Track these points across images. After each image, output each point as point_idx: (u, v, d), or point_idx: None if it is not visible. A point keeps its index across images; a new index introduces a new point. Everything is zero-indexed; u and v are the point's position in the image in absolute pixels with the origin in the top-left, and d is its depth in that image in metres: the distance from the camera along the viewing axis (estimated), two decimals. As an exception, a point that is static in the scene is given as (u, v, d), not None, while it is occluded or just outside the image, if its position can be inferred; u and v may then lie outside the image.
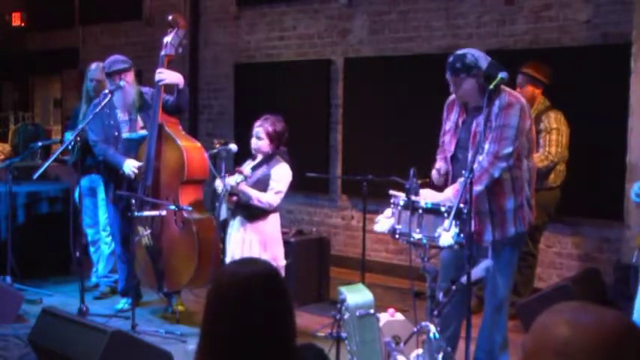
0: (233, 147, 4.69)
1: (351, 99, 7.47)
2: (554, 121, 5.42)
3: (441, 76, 4.02)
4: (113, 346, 3.70)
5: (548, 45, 6.15)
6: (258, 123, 4.68)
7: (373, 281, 6.20)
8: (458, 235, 3.51)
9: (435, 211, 3.63)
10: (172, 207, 5.08)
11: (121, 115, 5.50)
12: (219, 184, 4.55)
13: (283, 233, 5.10)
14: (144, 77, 7.01)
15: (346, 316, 3.85)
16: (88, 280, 6.14)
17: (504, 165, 3.81)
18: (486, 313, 4.14)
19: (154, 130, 5.29)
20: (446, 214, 3.55)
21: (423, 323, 3.76)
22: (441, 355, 3.68)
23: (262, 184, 4.62)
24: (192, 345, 4.76)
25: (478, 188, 3.70)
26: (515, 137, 3.81)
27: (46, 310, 4.22)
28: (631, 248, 5.25)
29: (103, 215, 6.05)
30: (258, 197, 4.56)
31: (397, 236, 3.77)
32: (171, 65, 5.45)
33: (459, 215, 3.50)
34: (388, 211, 3.83)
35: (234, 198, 4.58)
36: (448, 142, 4.08)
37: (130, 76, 5.43)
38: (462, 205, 3.51)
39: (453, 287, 3.71)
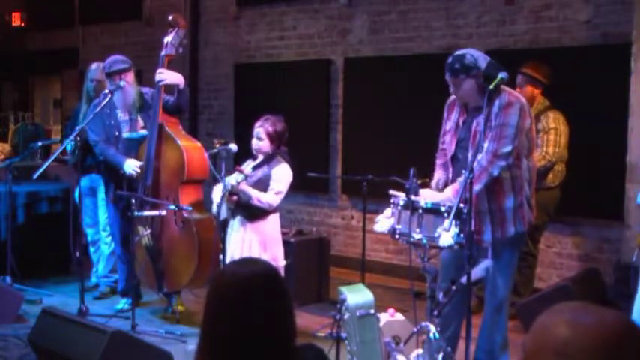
0: (233, 147, 4.68)
1: (351, 99, 7.47)
2: (553, 121, 5.42)
3: (441, 76, 4.02)
4: (113, 346, 3.70)
5: (548, 45, 6.15)
6: (258, 123, 4.68)
7: (373, 281, 6.19)
8: (458, 235, 3.51)
9: (435, 211, 3.63)
10: (172, 207, 5.09)
11: (122, 115, 5.50)
12: (218, 190, 4.54)
13: (283, 233, 5.10)
14: (144, 77, 7.02)
15: (346, 316, 3.85)
16: (88, 280, 6.14)
17: (503, 164, 3.81)
18: (486, 313, 4.14)
19: (154, 130, 5.29)
20: (446, 214, 3.54)
21: (423, 323, 3.76)
22: (441, 355, 3.68)
23: (263, 185, 4.62)
24: (192, 345, 4.76)
25: (477, 187, 3.70)
26: (515, 136, 3.81)
27: (46, 310, 4.22)
28: (631, 248, 5.26)
29: (103, 215, 6.05)
30: (258, 197, 4.56)
31: (397, 236, 3.77)
32: (172, 65, 5.45)
33: (459, 215, 3.50)
34: (388, 211, 3.83)
35: (235, 198, 4.58)
36: (449, 143, 4.08)
37: (130, 76, 5.43)
38: (461, 205, 3.51)
39: (453, 287, 3.71)
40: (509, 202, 3.91)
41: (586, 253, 6.06)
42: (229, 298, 1.74)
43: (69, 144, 5.51)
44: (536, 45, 6.22)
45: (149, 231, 5.25)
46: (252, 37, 8.33)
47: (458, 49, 4.13)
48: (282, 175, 4.65)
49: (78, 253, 5.40)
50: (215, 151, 4.70)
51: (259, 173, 4.63)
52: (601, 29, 5.91)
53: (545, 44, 6.18)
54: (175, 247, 5.27)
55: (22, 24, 11.88)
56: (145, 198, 5.19)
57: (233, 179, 4.44)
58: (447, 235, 3.48)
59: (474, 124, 3.91)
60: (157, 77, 5.29)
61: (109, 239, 6.04)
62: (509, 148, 3.80)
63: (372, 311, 3.85)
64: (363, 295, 3.90)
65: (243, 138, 5.00)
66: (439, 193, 3.88)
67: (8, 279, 5.91)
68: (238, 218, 4.69)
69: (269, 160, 4.67)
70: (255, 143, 4.67)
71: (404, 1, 7.07)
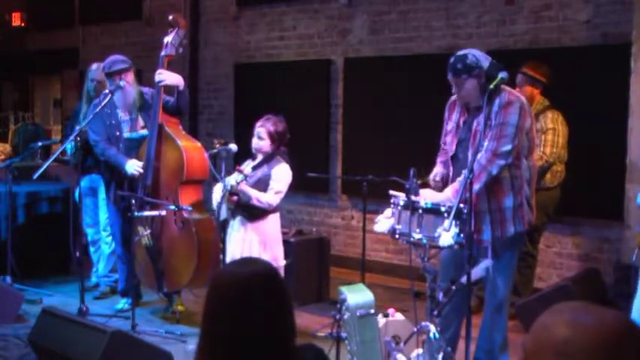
0: (233, 147, 4.68)
1: (351, 99, 7.47)
2: (551, 121, 5.42)
3: (440, 76, 4.02)
4: (113, 346, 3.70)
5: (548, 45, 6.15)
6: (259, 123, 4.68)
7: (373, 281, 6.19)
8: (458, 235, 3.51)
9: (435, 211, 3.63)
10: (172, 207, 5.09)
11: (122, 115, 5.50)
12: (218, 189, 4.54)
13: (283, 233, 5.10)
14: (144, 77, 7.01)
15: (346, 316, 3.85)
16: (88, 280, 6.14)
17: (503, 163, 3.81)
18: (486, 313, 4.14)
19: (154, 130, 5.29)
20: (446, 214, 3.54)
21: (423, 323, 3.76)
22: (441, 355, 3.68)
23: (263, 184, 4.62)
24: (192, 345, 4.76)
25: (477, 186, 3.69)
26: (515, 135, 3.81)
27: (46, 310, 4.22)
28: (631, 248, 5.25)
29: (103, 215, 6.05)
30: (257, 197, 4.56)
31: (397, 236, 3.77)
32: (171, 65, 5.45)
33: (459, 215, 3.50)
34: (388, 211, 3.82)
35: (235, 198, 4.58)
36: (449, 143, 4.08)
37: (130, 76, 5.43)
38: (461, 205, 3.51)
39: (453, 287, 3.71)
40: (509, 202, 3.91)
41: (586, 253, 6.06)
42: (229, 298, 1.74)
43: (69, 144, 5.51)
44: (536, 45, 6.22)
45: (149, 231, 5.25)
46: (252, 37, 8.33)
47: (458, 49, 4.13)
48: (282, 174, 4.65)
49: (78, 253, 5.40)
50: (215, 151, 4.70)
51: (259, 173, 4.63)
52: (601, 29, 5.91)
53: (545, 44, 6.18)
54: (175, 247, 5.27)
55: (22, 24, 11.88)
56: (146, 198, 5.19)
57: (233, 179, 4.44)
58: (447, 235, 3.48)
59: (475, 123, 3.91)
60: (157, 78, 5.29)
61: (109, 239, 6.04)
62: (508, 147, 3.80)
63: (372, 311, 3.85)
64: (363, 295, 3.90)
65: (243, 138, 5.00)
66: (439, 193, 3.88)
67: (8, 279, 5.91)
68: (239, 218, 4.69)
69: (269, 159, 4.67)
70: (255, 142, 4.67)
71: (404, 1, 7.07)
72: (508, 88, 3.93)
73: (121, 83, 5.34)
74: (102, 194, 5.95)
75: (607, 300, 5.17)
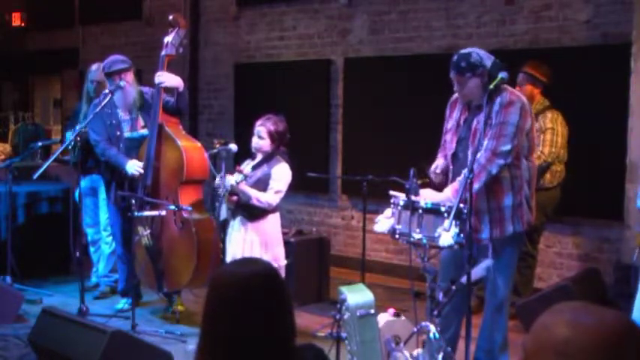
0: (233, 147, 4.69)
1: (351, 99, 7.47)
2: (550, 121, 5.42)
3: (440, 76, 4.02)
4: (113, 346, 3.70)
5: (548, 45, 6.15)
6: (260, 122, 4.68)
7: (373, 281, 6.19)
8: (458, 235, 3.51)
9: (435, 211, 3.63)
10: (172, 207, 5.09)
11: (123, 115, 5.50)
12: (219, 182, 4.54)
13: (283, 233, 5.09)
14: (144, 77, 7.01)
15: (346, 316, 3.85)
16: (88, 280, 6.14)
17: (502, 162, 3.81)
18: (486, 313, 4.14)
19: (154, 130, 5.29)
20: (446, 214, 3.54)
21: (423, 323, 3.76)
22: (441, 355, 3.68)
23: (263, 184, 4.61)
24: (192, 345, 4.76)
25: (476, 186, 3.69)
26: (515, 135, 3.80)
27: (46, 310, 4.22)
28: (631, 248, 5.25)
29: (103, 215, 6.05)
30: (257, 197, 4.56)
31: (397, 236, 3.77)
32: (171, 65, 5.45)
33: (459, 215, 3.50)
34: (388, 211, 3.82)
35: (235, 198, 4.58)
36: (449, 141, 4.08)
37: (130, 76, 5.43)
38: (461, 205, 3.51)
39: (453, 287, 3.71)
40: (508, 201, 3.90)
41: (586, 253, 6.06)
42: (229, 298, 1.74)
43: (69, 144, 5.51)
44: (536, 45, 6.22)
45: (149, 231, 5.25)
46: (252, 37, 8.33)
47: (458, 49, 4.12)
48: (282, 174, 4.65)
49: (78, 253, 5.40)
50: (215, 151, 4.70)
51: (259, 173, 4.63)
52: (601, 29, 5.91)
53: (545, 44, 6.18)
54: (175, 247, 5.27)
55: (22, 24, 11.88)
56: (146, 198, 5.19)
57: (233, 179, 4.44)
58: (447, 235, 3.48)
59: (475, 122, 3.91)
60: (157, 80, 5.29)
61: (109, 239, 6.04)
62: (508, 147, 3.80)
63: (372, 311, 3.85)
64: (363, 295, 3.90)
65: (243, 138, 5.00)
66: (439, 193, 3.88)
67: (8, 279, 5.91)
68: (239, 218, 4.69)
69: (268, 159, 4.67)
70: (255, 141, 4.66)
71: (404, 1, 7.07)
72: (510, 88, 3.93)
73: (121, 83, 5.34)
74: (102, 194, 5.95)
75: (607, 300, 5.16)
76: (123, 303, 5.70)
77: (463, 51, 3.95)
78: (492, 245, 3.92)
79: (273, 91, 7.87)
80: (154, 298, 5.82)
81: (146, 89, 5.53)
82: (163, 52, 5.36)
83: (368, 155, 7.13)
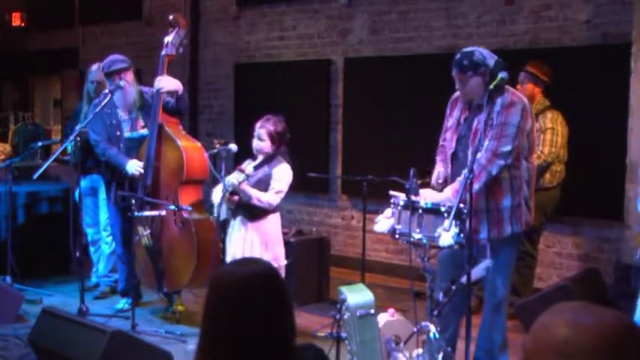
0: (233, 147, 4.69)
1: (351, 99, 7.47)
2: (550, 121, 5.42)
3: (440, 76, 4.02)
4: (113, 346, 3.70)
5: (548, 45, 6.15)
6: (259, 124, 4.68)
7: (373, 281, 6.19)
8: (458, 235, 3.51)
9: (434, 211, 3.63)
10: (172, 207, 5.09)
11: (122, 115, 5.50)
12: (218, 191, 4.54)
13: (283, 233, 5.09)
14: (144, 77, 7.01)
15: (346, 316, 3.85)
16: (88, 280, 6.14)
17: (502, 163, 3.81)
18: (486, 313, 4.14)
19: (154, 130, 5.29)
20: (446, 214, 3.54)
21: (423, 323, 3.76)
22: (441, 355, 3.68)
23: (264, 184, 4.62)
24: (192, 345, 4.76)
25: (476, 186, 3.68)
26: (515, 135, 3.80)
27: (46, 310, 4.22)
28: (631, 248, 5.25)
29: (103, 215, 6.05)
30: (258, 197, 4.56)
31: (397, 236, 3.77)
32: (171, 65, 5.45)
33: (458, 215, 3.50)
34: (388, 211, 3.82)
35: (235, 197, 4.58)
36: (449, 139, 4.07)
37: (130, 76, 5.43)
38: (461, 205, 3.51)
39: (453, 287, 3.71)
40: (507, 202, 3.90)
41: (586, 253, 6.06)
42: (229, 298, 1.74)
43: (69, 144, 5.51)
44: (536, 45, 6.22)
45: (149, 231, 5.25)
46: (252, 37, 8.33)
47: (458, 49, 4.12)
48: (283, 174, 4.65)
49: (78, 253, 5.40)
50: (215, 151, 4.70)
51: (260, 173, 4.63)
52: (601, 29, 5.91)
53: (545, 44, 6.18)
54: (175, 247, 5.27)
55: (22, 24, 11.88)
56: (146, 198, 5.19)
57: (234, 178, 4.44)
58: (447, 235, 3.48)
59: (475, 121, 3.90)
60: (156, 85, 5.30)
61: (109, 239, 6.04)
62: (509, 148, 3.80)
63: (372, 311, 3.85)
64: (363, 295, 3.90)
65: (243, 138, 5.00)
66: (439, 192, 3.88)
67: (8, 279, 5.91)
68: (239, 218, 4.69)
69: (270, 159, 4.67)
70: (256, 143, 4.67)
71: (404, 1, 7.07)
72: (511, 89, 3.92)
73: (121, 83, 5.34)
74: (102, 194, 5.95)
75: (607, 300, 5.16)
76: (123, 303, 5.70)
77: (466, 49, 3.94)
78: (490, 245, 3.92)
79: (273, 91, 7.87)
80: (154, 298, 5.82)
81: (146, 89, 5.53)
82: (163, 52, 5.36)
83: (368, 155, 7.13)
